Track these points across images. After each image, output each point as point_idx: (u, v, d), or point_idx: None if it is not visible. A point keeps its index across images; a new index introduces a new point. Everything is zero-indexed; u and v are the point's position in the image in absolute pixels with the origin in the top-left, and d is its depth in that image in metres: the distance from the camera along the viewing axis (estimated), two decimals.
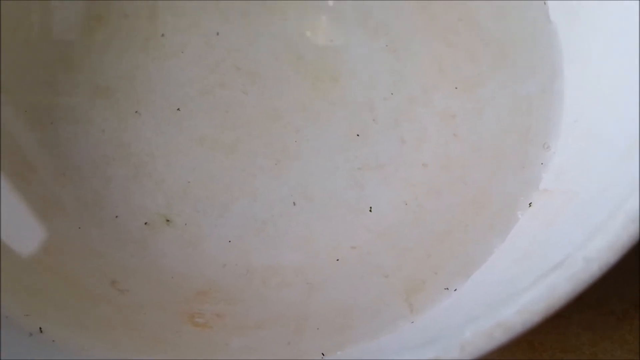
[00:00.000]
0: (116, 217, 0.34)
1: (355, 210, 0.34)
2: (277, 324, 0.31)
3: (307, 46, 0.34)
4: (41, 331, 0.29)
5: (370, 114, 0.35)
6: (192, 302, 0.32)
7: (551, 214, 0.28)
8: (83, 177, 0.34)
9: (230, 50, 0.34)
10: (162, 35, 0.35)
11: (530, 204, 0.32)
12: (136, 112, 0.36)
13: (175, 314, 0.31)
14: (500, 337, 0.20)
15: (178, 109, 0.35)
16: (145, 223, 0.34)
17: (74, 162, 0.34)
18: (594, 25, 0.29)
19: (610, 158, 0.25)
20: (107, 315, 0.31)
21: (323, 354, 0.29)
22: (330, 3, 0.35)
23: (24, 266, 0.31)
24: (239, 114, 0.35)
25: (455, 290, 0.31)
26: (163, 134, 0.35)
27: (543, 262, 0.25)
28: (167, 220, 0.34)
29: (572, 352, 0.30)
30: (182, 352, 0.30)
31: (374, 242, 0.33)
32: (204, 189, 0.35)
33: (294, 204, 0.34)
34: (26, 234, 0.32)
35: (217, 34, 0.34)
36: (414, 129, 0.35)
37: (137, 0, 0.35)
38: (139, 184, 0.35)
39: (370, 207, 0.33)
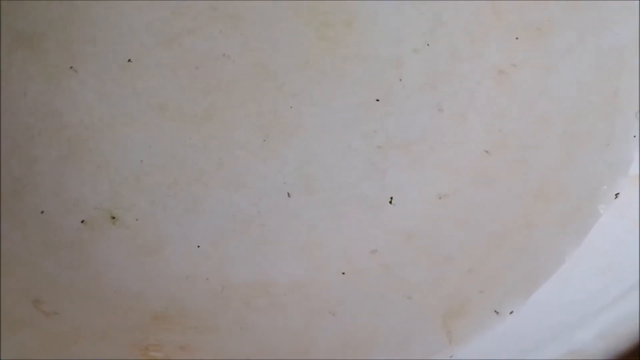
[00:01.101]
0: (42, 212, 0.34)
1: (373, 204, 0.35)
2: None
3: None
4: None
5: (396, 72, 0.36)
6: (147, 330, 0.32)
7: None
8: None
9: None
10: None
11: (616, 195, 0.32)
12: (71, 67, 0.36)
13: (123, 345, 0.31)
14: None
15: (129, 61, 0.36)
16: (82, 221, 0.34)
17: None
18: None
19: None
20: (28, 345, 0.31)
21: None
22: None
23: None
24: (214, 71, 0.36)
25: (511, 313, 0.31)
26: (108, 98, 0.36)
27: (632, 272, 0.25)
28: (113, 218, 0.34)
29: None
30: None
31: (398, 248, 0.34)
32: (163, 174, 0.35)
33: (289, 195, 0.35)
34: None
35: None
36: (456, 92, 0.36)
37: None
38: (74, 168, 0.35)
39: (391, 199, 0.34)
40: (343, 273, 0.34)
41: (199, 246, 0.34)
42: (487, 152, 0.35)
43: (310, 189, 0.35)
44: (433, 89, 0.36)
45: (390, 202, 0.35)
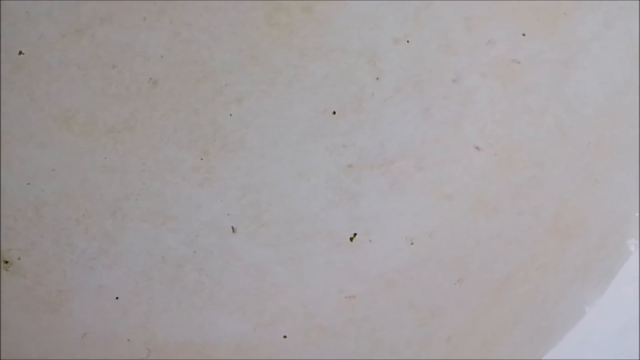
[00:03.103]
0: None
1: (341, 242, 0.33)
2: None
3: None
4: None
5: (371, 70, 0.33)
6: None
7: None
8: None
9: None
10: None
11: None
12: None
13: None
14: None
15: (20, 53, 0.32)
16: None
17: None
18: None
19: None
20: None
21: None
22: None
23: None
24: (135, 71, 0.33)
25: None
26: None
27: None
28: (6, 262, 0.32)
29: None
30: None
31: (373, 298, 0.32)
32: (70, 204, 0.32)
33: (234, 230, 0.33)
34: None
35: None
36: (448, 94, 0.33)
37: None
38: None
39: (364, 235, 0.33)
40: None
41: (117, 298, 0.32)
42: (486, 172, 0.33)
43: (259, 222, 0.33)
44: (419, 90, 0.33)
45: (365, 239, 0.33)
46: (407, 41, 0.34)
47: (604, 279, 0.31)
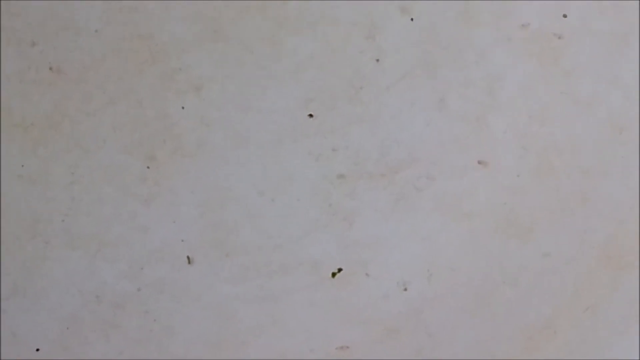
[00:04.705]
0: None
1: (329, 276, 0.29)
2: None
3: None
4: None
5: (370, 47, 0.30)
6: None
7: None
8: None
9: None
10: None
11: None
12: None
13: None
14: None
15: None
16: None
17: None
18: None
19: None
20: None
21: None
22: None
23: None
24: (56, 46, 0.29)
25: None
26: None
27: None
28: None
29: None
30: None
31: (370, 349, 0.29)
32: None
33: (189, 261, 0.29)
34: None
35: None
36: (471, 79, 0.30)
37: None
38: None
39: (359, 267, 0.29)
40: None
41: (37, 350, 0.28)
42: (518, 183, 0.30)
43: (223, 250, 0.30)
44: (431, 74, 0.31)
45: (360, 273, 0.29)
46: (416, 10, 0.31)
47: None
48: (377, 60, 0.31)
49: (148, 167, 0.30)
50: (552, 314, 0.29)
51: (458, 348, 0.29)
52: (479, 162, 0.31)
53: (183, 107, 0.30)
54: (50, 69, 0.31)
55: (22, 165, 0.30)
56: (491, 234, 0.30)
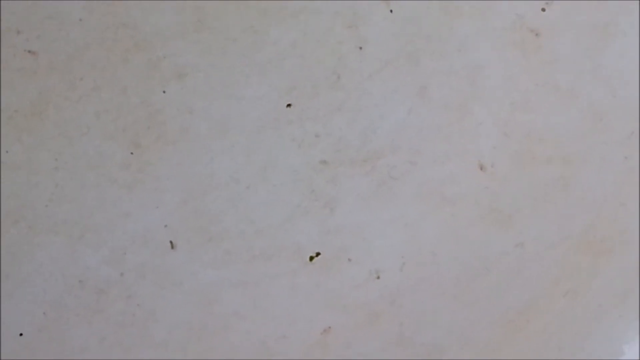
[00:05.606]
0: None
1: (304, 260, 0.29)
2: None
3: None
4: None
5: (352, 35, 0.30)
6: None
7: None
8: None
9: None
10: None
11: None
12: None
13: None
14: None
15: None
16: None
17: None
18: None
19: None
20: None
21: None
22: None
23: None
24: (46, 38, 0.29)
25: None
26: None
27: None
28: None
29: None
30: None
31: (351, 335, 0.29)
32: None
33: (172, 245, 0.29)
34: None
35: None
36: (454, 68, 0.30)
37: None
38: None
39: (349, 257, 0.29)
40: None
41: (21, 334, 0.28)
42: (500, 170, 0.29)
43: (205, 236, 0.30)
44: (413, 62, 0.30)
45: (343, 258, 0.29)
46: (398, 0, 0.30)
47: None
48: (360, 48, 0.31)
49: (132, 154, 0.30)
50: (532, 298, 0.29)
51: (439, 332, 0.29)
52: (460, 150, 0.30)
53: (166, 94, 0.30)
54: (35, 57, 0.30)
55: (7, 152, 0.29)
56: (472, 221, 0.30)
